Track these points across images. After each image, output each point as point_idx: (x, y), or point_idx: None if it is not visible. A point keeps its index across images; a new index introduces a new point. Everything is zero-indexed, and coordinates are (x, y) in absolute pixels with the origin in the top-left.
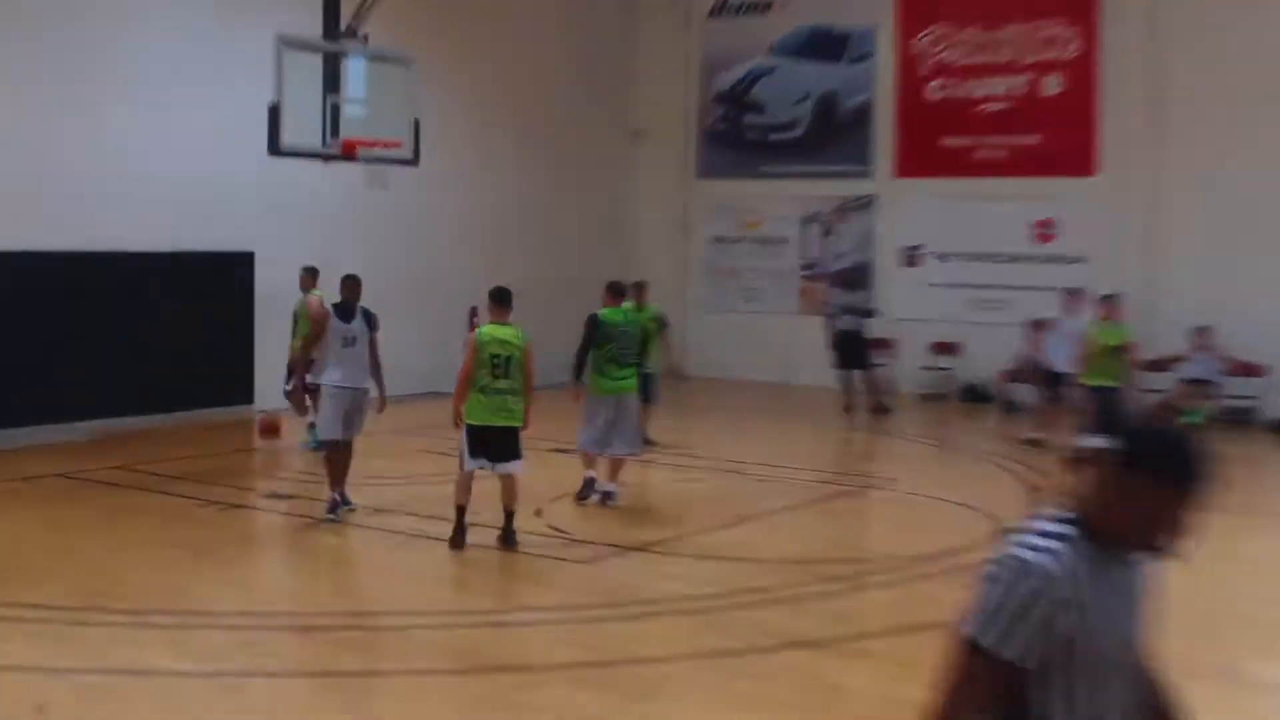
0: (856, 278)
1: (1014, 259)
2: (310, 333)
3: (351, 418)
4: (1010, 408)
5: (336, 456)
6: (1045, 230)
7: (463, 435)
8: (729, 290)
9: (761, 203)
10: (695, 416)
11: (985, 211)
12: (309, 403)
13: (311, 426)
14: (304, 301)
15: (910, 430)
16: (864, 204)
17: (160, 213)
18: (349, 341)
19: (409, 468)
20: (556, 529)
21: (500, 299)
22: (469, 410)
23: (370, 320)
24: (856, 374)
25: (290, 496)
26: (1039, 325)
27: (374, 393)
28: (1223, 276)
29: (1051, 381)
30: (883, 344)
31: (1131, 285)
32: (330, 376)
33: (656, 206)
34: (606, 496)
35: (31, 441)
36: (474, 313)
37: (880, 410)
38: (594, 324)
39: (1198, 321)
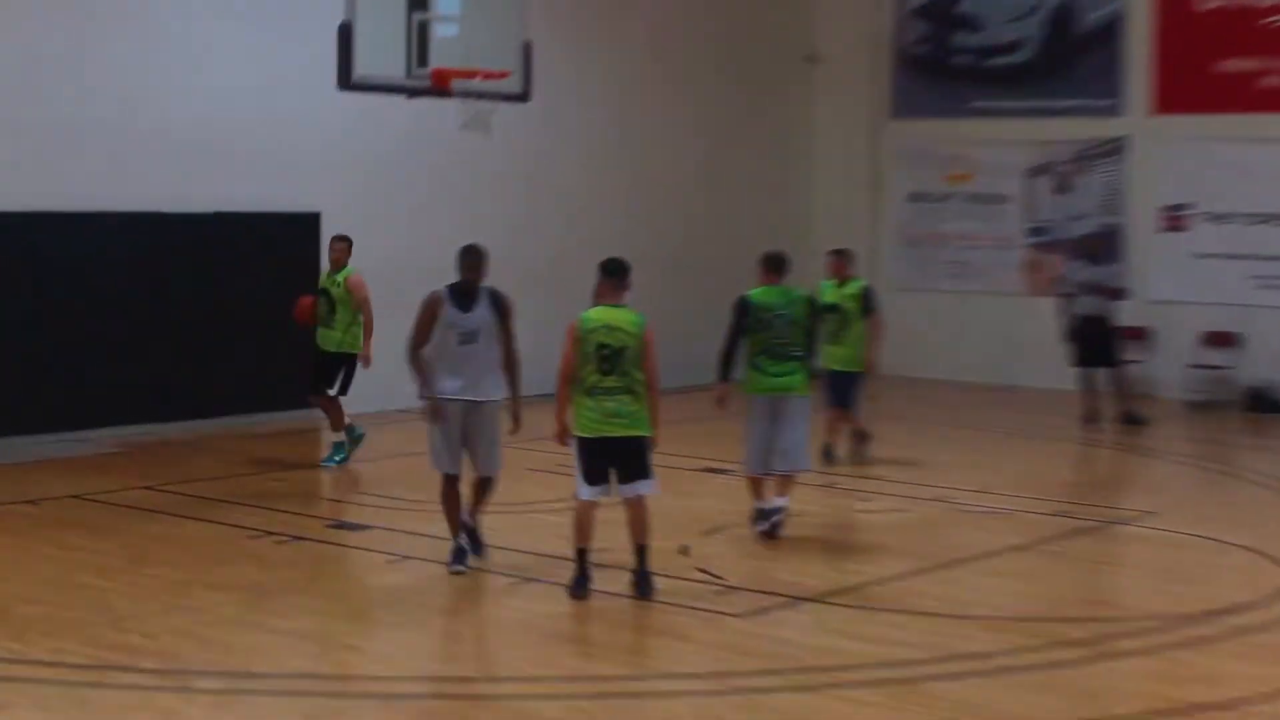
0: (1101, 247)
1: None
2: (364, 320)
3: (474, 441)
4: None
5: (452, 493)
6: None
7: (574, 453)
8: (930, 263)
9: (975, 149)
10: (886, 427)
11: (1276, 158)
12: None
13: (339, 445)
14: (340, 281)
15: (1173, 448)
16: (1111, 149)
17: (200, 165)
18: (468, 337)
19: (517, 492)
20: (706, 572)
21: (612, 272)
22: (577, 419)
23: (499, 306)
24: (1101, 373)
25: (365, 527)
26: None
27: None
28: None
29: None
30: (1136, 334)
31: None
32: (441, 385)
33: (838, 155)
34: (763, 518)
35: (41, 454)
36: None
37: (1132, 421)
38: (742, 309)
39: None
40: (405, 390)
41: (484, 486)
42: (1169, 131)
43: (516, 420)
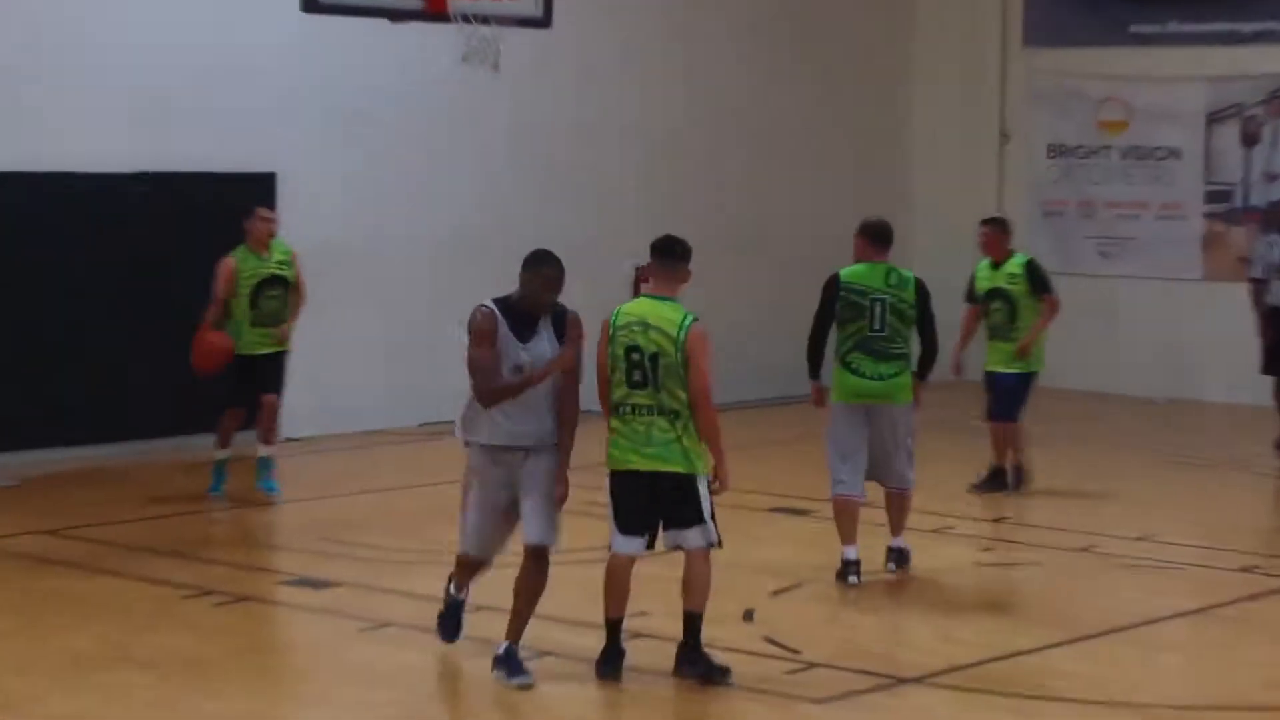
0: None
1: None
2: (300, 302)
3: (526, 498)
4: None
5: (470, 563)
6: None
7: (606, 492)
8: (1074, 239)
9: (1134, 88)
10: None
11: None
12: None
13: (263, 465)
14: (290, 258)
15: None
16: None
17: (120, 111)
18: (521, 371)
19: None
20: (776, 643)
21: (664, 253)
22: (610, 448)
23: (565, 331)
24: None
25: (331, 584)
26: None
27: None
28: None
29: None
30: None
31: None
32: (480, 429)
33: (950, 97)
34: (897, 558)
35: None
36: (641, 277)
37: None
38: (832, 288)
39: None
40: (382, 410)
41: (533, 568)
42: None
43: (562, 482)
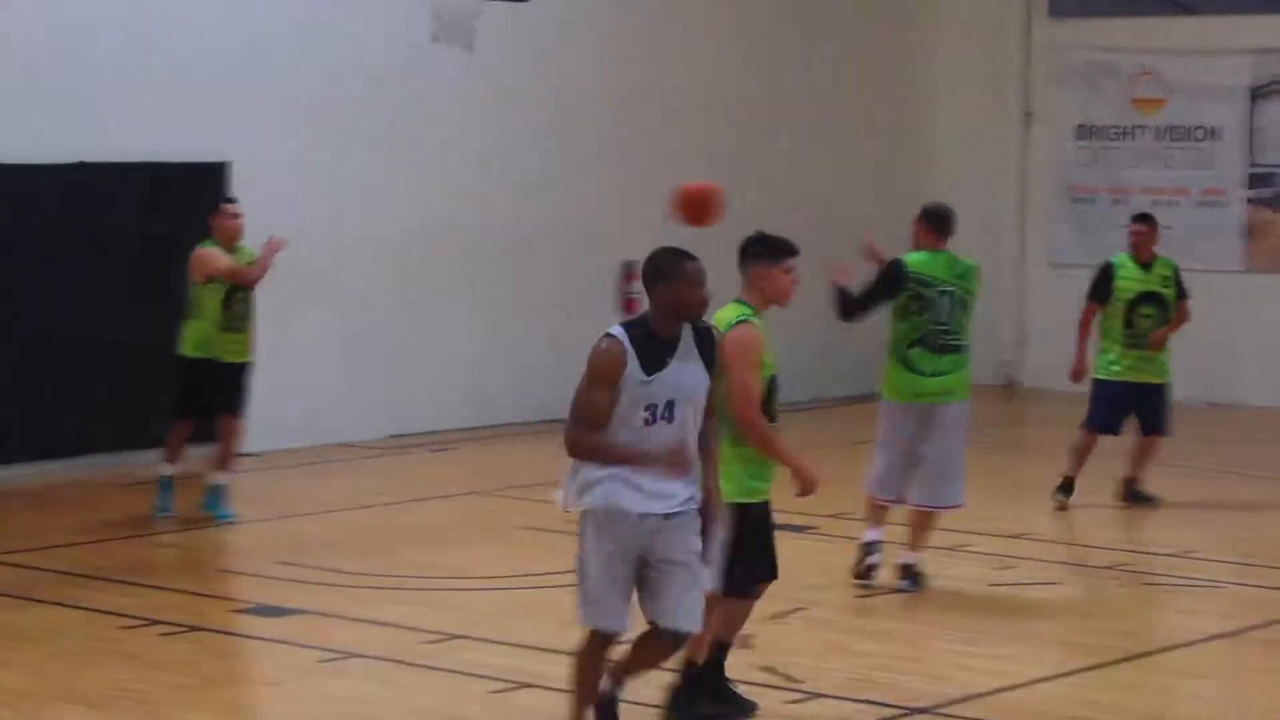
0: None
1: None
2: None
3: (660, 575)
4: None
5: (599, 658)
6: None
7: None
8: (1106, 228)
9: (1172, 61)
10: (1044, 462)
11: None
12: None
13: (215, 493)
14: (254, 259)
15: None
16: None
17: (56, 95)
18: (663, 413)
19: (505, 559)
20: (776, 672)
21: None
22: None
23: (709, 352)
24: None
25: (290, 611)
26: None
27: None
28: None
29: None
30: None
31: None
32: (608, 488)
33: (971, 71)
34: (906, 574)
35: None
36: (631, 274)
37: None
38: (895, 275)
39: None
40: (345, 421)
41: (666, 649)
42: None
43: (708, 538)
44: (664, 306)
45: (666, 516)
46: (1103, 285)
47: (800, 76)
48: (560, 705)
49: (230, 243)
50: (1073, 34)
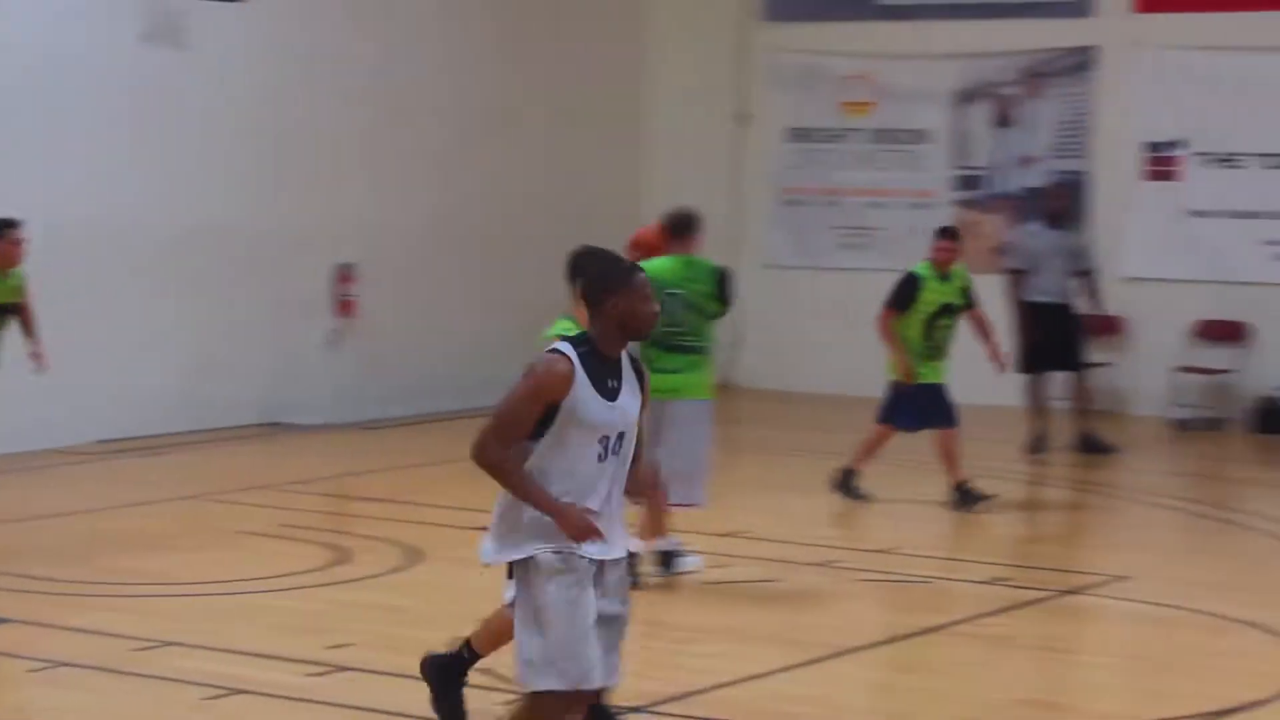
0: (1059, 204)
1: None
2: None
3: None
4: None
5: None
6: None
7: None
8: (817, 229)
9: (881, 65)
10: (747, 459)
11: None
12: None
13: None
14: (20, 282)
15: (1151, 485)
16: (1075, 66)
17: None
18: (613, 447)
19: (217, 564)
20: (494, 674)
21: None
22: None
23: (642, 379)
24: (1059, 380)
25: None
26: None
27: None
28: None
29: None
30: (1103, 326)
31: None
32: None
33: (684, 75)
34: (667, 561)
35: None
36: (345, 277)
37: (1095, 448)
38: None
39: None
40: (52, 428)
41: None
42: (1155, 37)
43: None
44: (612, 324)
45: (614, 562)
46: (908, 297)
47: (518, 77)
48: (273, 710)
49: (7, 268)
50: (785, 37)
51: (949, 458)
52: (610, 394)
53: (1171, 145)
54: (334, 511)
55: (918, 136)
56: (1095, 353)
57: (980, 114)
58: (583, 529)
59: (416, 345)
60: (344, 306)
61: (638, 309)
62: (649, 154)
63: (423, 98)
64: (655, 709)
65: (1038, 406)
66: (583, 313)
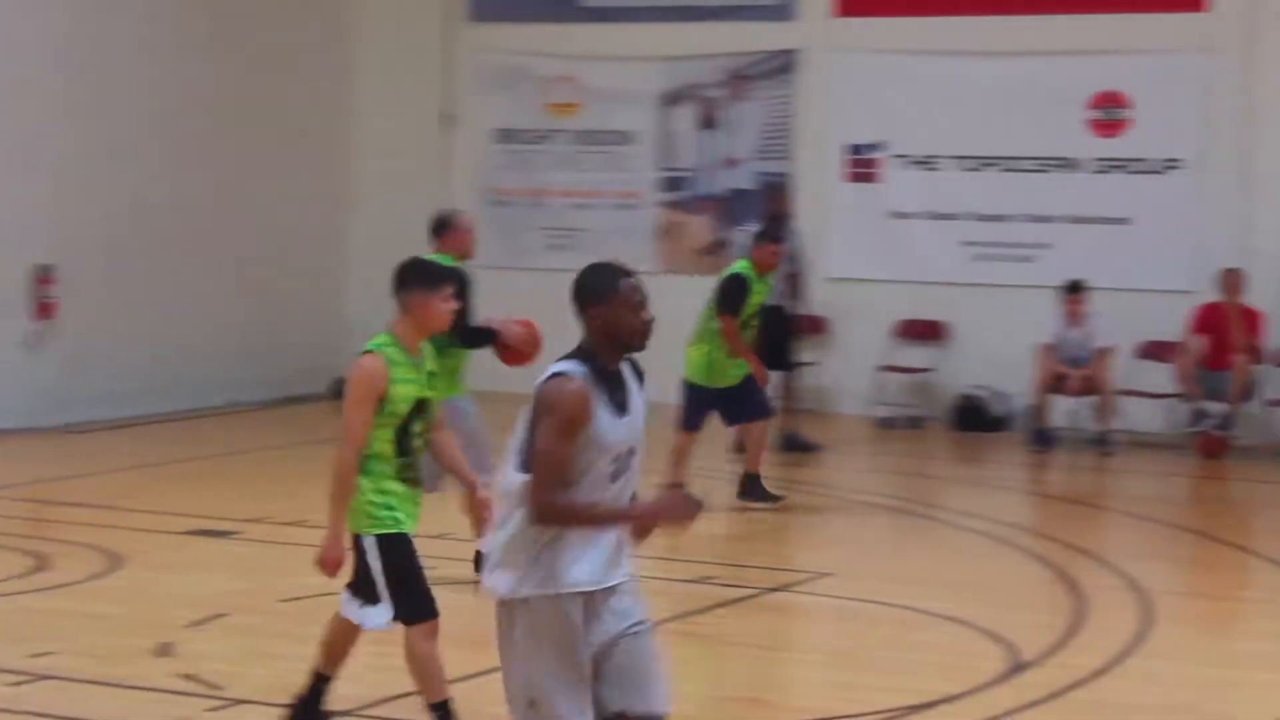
0: (778, 206)
1: (1054, 166)
2: None
3: (628, 657)
4: (1042, 439)
5: None
6: (1110, 113)
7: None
8: (524, 230)
9: (586, 66)
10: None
11: (1000, 81)
12: None
13: None
14: None
15: (853, 483)
16: (778, 68)
17: None
18: (623, 465)
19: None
20: (196, 679)
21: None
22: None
23: (642, 380)
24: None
25: None
26: (1077, 293)
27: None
28: None
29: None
30: (810, 325)
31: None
32: (566, 566)
33: (393, 74)
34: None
35: None
36: (45, 280)
37: (797, 447)
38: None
39: None
40: None
41: None
42: (856, 41)
43: None
44: (600, 334)
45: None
46: (739, 299)
47: (219, 71)
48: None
49: None
50: (491, 38)
51: (758, 448)
52: (620, 409)
53: (872, 147)
54: (32, 517)
55: (623, 138)
56: (802, 353)
57: (685, 116)
58: (684, 512)
59: (122, 347)
60: (43, 309)
61: (623, 319)
62: (356, 154)
63: (112, 86)
64: (359, 713)
65: None
66: (403, 324)
